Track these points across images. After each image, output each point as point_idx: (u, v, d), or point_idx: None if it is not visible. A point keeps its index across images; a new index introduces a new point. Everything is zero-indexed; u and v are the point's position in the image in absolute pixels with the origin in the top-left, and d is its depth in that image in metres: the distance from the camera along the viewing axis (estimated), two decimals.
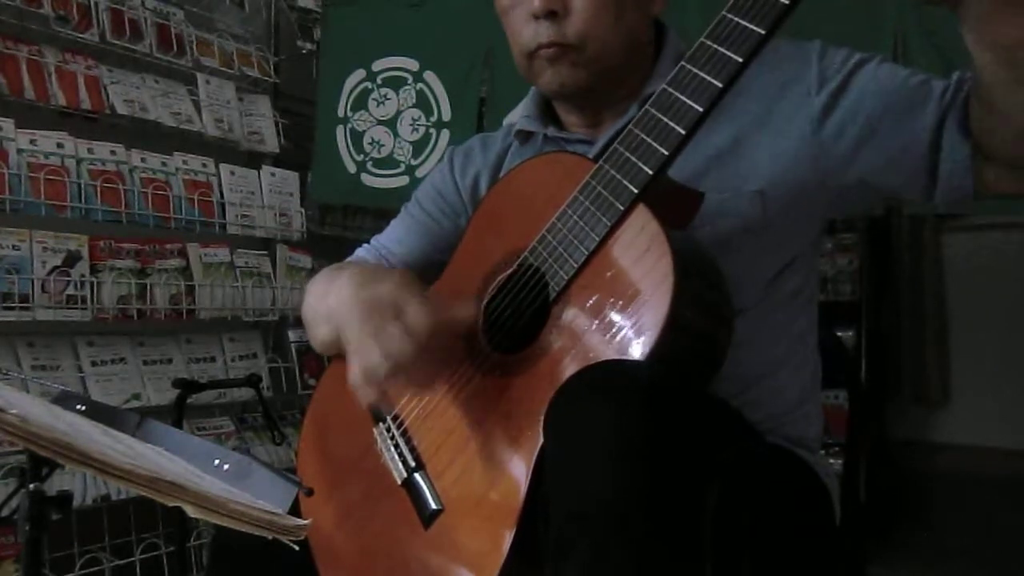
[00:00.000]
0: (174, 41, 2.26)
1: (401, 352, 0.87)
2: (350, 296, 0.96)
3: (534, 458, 0.82)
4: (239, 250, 2.33)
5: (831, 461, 1.10)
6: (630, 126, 0.87)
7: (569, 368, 0.83)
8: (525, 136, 1.14)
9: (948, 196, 0.92)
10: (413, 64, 2.34)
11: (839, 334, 2.51)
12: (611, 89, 1.03)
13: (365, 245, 1.24)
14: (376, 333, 0.89)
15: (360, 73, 2.43)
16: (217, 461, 0.84)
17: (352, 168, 2.43)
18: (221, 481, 0.80)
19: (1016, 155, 0.85)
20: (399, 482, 0.95)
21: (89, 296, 1.94)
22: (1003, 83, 0.80)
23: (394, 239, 1.21)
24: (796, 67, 0.97)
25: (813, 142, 0.95)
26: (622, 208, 0.84)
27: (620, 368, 0.79)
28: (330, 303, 1.01)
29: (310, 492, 0.93)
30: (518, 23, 1.03)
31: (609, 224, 0.85)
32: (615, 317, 0.82)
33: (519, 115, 1.16)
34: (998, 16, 0.76)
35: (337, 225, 2.60)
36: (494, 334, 0.95)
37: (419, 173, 2.31)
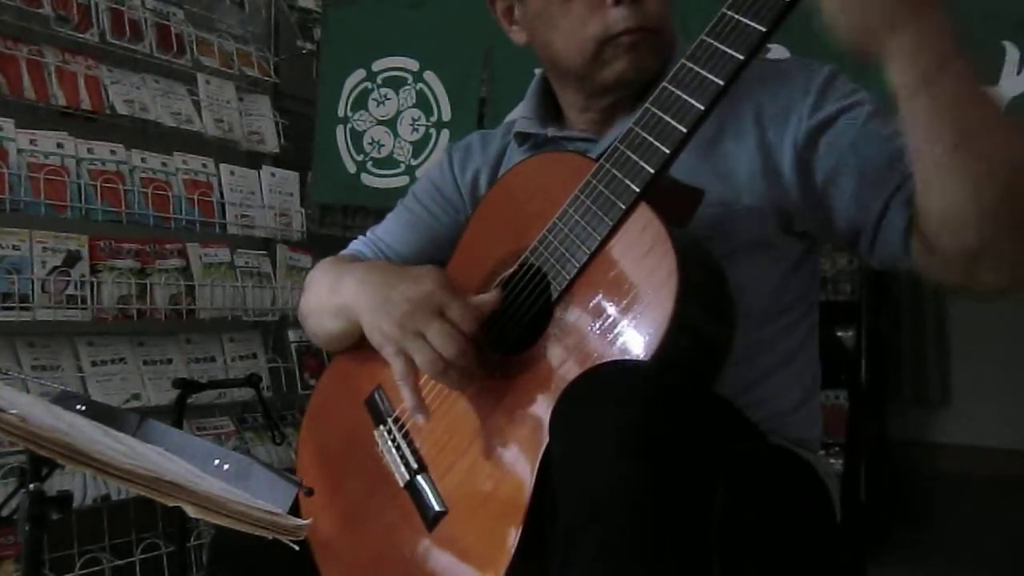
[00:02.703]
0: (174, 41, 2.25)
1: (449, 351, 0.88)
2: (375, 293, 0.96)
3: (538, 458, 0.82)
4: (239, 250, 2.33)
5: (831, 461, 1.10)
6: (631, 124, 0.87)
7: (573, 368, 0.83)
8: (525, 137, 1.13)
9: (886, 263, 0.92)
10: (413, 64, 2.34)
11: (839, 334, 2.51)
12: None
13: (361, 237, 1.24)
14: (420, 331, 0.90)
15: (360, 73, 2.42)
16: (217, 461, 0.84)
17: (352, 168, 2.43)
18: (221, 481, 0.80)
19: (932, 242, 0.84)
20: (401, 484, 0.95)
21: (89, 296, 1.93)
22: (918, 170, 0.81)
23: (390, 233, 1.21)
24: (798, 87, 0.97)
25: (796, 164, 0.96)
26: (624, 207, 0.84)
27: (625, 368, 0.79)
28: (344, 297, 1.01)
29: (310, 492, 0.93)
30: (583, 11, 0.99)
31: (611, 223, 0.85)
32: (618, 317, 0.82)
33: (518, 115, 1.15)
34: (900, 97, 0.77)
35: (337, 225, 2.60)
36: (495, 335, 0.94)
37: (419, 173, 2.30)
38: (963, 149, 0.76)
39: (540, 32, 1.05)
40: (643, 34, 0.98)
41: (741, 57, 0.80)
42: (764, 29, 0.79)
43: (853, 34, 0.75)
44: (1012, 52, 1.61)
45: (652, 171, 0.83)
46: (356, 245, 1.23)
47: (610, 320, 0.83)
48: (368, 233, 1.23)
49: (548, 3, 1.02)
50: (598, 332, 0.83)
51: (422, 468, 0.94)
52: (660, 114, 0.84)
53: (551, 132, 1.09)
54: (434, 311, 0.90)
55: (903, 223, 0.88)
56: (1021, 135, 0.78)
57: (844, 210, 0.93)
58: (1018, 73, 1.61)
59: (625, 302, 0.82)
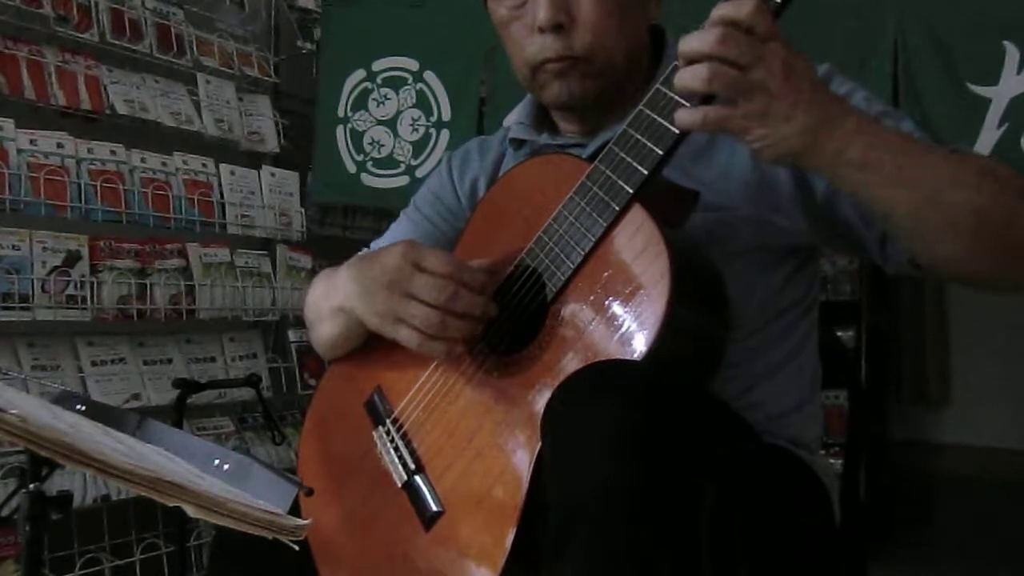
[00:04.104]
0: (174, 41, 2.25)
1: (439, 296, 0.89)
2: (360, 280, 0.97)
3: (534, 458, 0.82)
4: (239, 250, 2.33)
5: (831, 461, 1.10)
6: (624, 126, 0.87)
7: (567, 368, 0.83)
8: (519, 143, 1.14)
9: (899, 272, 0.94)
10: (413, 64, 2.34)
11: (839, 334, 2.51)
12: (614, 96, 1.02)
13: (364, 250, 1.24)
14: (407, 292, 0.90)
15: (360, 73, 2.42)
16: (217, 461, 0.84)
17: (352, 168, 2.43)
18: (221, 481, 0.80)
19: (941, 274, 0.88)
20: (399, 485, 0.95)
21: (89, 296, 1.93)
22: (891, 233, 0.85)
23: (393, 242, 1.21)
24: None
25: (795, 180, 0.96)
26: (618, 208, 0.84)
27: (617, 368, 0.79)
28: (338, 299, 1.02)
29: (310, 492, 0.93)
30: (520, 36, 1.01)
31: (605, 225, 0.85)
32: (613, 317, 0.82)
33: (514, 120, 1.15)
34: (846, 184, 0.81)
35: (337, 225, 2.60)
36: (492, 335, 0.95)
37: (419, 173, 2.31)
38: (923, 209, 0.80)
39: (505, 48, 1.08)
40: (569, 62, 0.99)
41: None
42: None
43: (782, 160, 0.80)
44: (1012, 52, 1.61)
45: (646, 172, 0.83)
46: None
47: (604, 321, 0.83)
48: (372, 245, 1.24)
49: (499, 26, 1.05)
50: (592, 333, 0.84)
51: (419, 468, 0.94)
52: (653, 116, 0.84)
53: (544, 139, 1.10)
54: (412, 268, 0.91)
55: (904, 252, 0.90)
56: (974, 175, 0.81)
57: (849, 224, 0.94)
58: (1018, 73, 1.61)
59: (619, 303, 0.82)
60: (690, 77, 0.76)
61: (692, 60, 0.76)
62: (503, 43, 1.07)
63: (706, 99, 0.78)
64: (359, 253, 1.24)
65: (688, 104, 0.81)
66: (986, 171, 0.82)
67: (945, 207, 0.79)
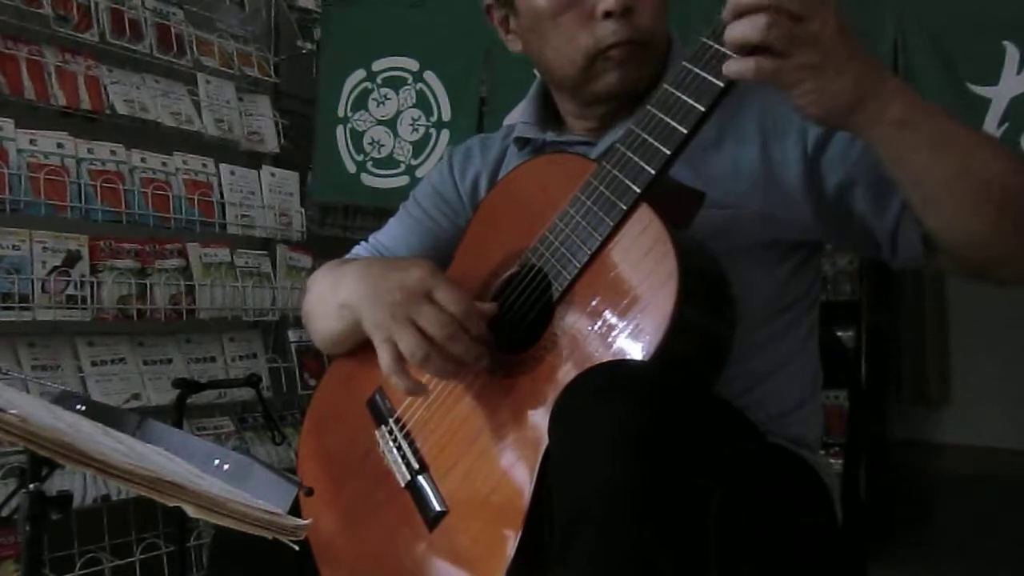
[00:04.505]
0: (174, 41, 2.25)
1: (439, 333, 0.88)
2: (371, 285, 0.96)
3: (539, 459, 0.82)
4: (239, 250, 2.32)
5: (831, 461, 1.10)
6: (630, 125, 0.87)
7: (573, 368, 0.83)
8: (524, 142, 1.14)
9: (908, 265, 0.94)
10: (413, 64, 2.34)
11: (839, 334, 2.51)
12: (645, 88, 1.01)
13: (363, 243, 1.24)
14: (410, 317, 0.89)
15: (360, 73, 2.42)
16: (217, 461, 0.84)
17: (352, 168, 2.43)
18: (221, 481, 0.80)
19: (951, 253, 0.87)
20: (402, 484, 0.95)
21: (89, 296, 1.93)
22: (913, 204, 0.84)
23: (392, 238, 1.21)
24: None
25: (805, 175, 0.96)
26: (625, 208, 0.84)
27: (624, 368, 0.79)
28: (343, 295, 1.01)
29: (310, 492, 0.93)
30: (574, 24, 0.99)
31: (612, 224, 0.85)
32: (619, 317, 0.82)
33: (517, 118, 1.15)
34: (884, 144, 0.80)
35: (337, 225, 2.60)
36: (497, 334, 0.94)
37: (419, 173, 2.31)
38: (955, 176, 0.79)
39: (533, 44, 1.06)
40: (633, 47, 0.98)
41: None
42: None
43: (830, 115, 0.79)
44: (1012, 52, 1.61)
45: (653, 172, 0.83)
46: (358, 251, 1.23)
47: (611, 321, 0.83)
48: (370, 239, 1.24)
49: (539, 18, 1.02)
50: (599, 333, 0.83)
51: (423, 468, 0.94)
52: (660, 115, 0.84)
53: (550, 136, 1.10)
54: (423, 295, 0.90)
55: (918, 235, 0.89)
56: (1002, 153, 0.82)
57: (860, 219, 0.94)
58: (1018, 73, 1.61)
59: (625, 303, 0.82)
60: (747, 26, 0.74)
61: (745, 11, 0.75)
62: (538, 38, 1.04)
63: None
64: (357, 247, 1.24)
65: (696, 103, 0.80)
66: (1009, 152, 0.83)
67: (975, 176, 0.79)
